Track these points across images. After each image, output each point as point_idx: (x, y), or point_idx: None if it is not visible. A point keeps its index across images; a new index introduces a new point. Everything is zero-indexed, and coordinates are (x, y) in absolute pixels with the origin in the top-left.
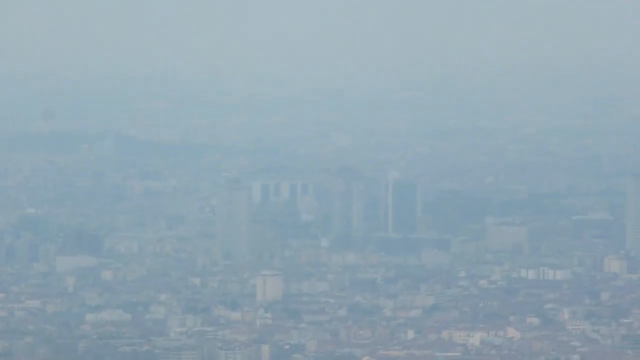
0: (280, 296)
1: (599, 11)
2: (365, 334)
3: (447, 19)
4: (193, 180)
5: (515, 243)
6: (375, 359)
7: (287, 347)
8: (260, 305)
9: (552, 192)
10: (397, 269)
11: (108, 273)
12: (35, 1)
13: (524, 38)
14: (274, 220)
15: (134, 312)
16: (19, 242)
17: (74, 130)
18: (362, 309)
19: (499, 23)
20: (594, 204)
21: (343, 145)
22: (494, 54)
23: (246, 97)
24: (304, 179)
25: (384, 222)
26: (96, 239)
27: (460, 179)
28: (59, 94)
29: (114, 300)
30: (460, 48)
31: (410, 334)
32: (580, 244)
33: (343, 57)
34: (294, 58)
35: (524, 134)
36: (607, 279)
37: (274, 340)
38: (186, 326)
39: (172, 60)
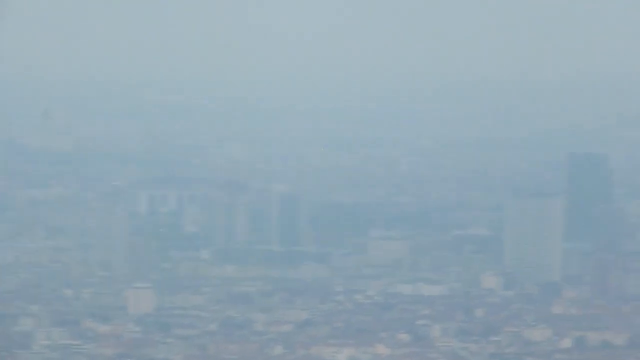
0: (152, 309)
1: (513, 25)
2: (233, 349)
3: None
4: (81, 189)
5: (396, 258)
6: None
7: None
8: (131, 319)
9: (440, 206)
10: (274, 283)
11: None
12: None
13: (428, 46)
14: (157, 232)
15: (1, 323)
16: None
17: None
18: (234, 324)
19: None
20: (479, 219)
21: (237, 156)
22: (399, 62)
23: (145, 104)
24: (192, 190)
25: (268, 235)
26: None
27: (350, 192)
28: None
29: None
30: (373, 54)
31: (279, 350)
32: (459, 259)
33: (249, 64)
34: (198, 64)
35: (421, 146)
36: (482, 295)
37: (139, 355)
38: (52, 339)
39: (73, 64)
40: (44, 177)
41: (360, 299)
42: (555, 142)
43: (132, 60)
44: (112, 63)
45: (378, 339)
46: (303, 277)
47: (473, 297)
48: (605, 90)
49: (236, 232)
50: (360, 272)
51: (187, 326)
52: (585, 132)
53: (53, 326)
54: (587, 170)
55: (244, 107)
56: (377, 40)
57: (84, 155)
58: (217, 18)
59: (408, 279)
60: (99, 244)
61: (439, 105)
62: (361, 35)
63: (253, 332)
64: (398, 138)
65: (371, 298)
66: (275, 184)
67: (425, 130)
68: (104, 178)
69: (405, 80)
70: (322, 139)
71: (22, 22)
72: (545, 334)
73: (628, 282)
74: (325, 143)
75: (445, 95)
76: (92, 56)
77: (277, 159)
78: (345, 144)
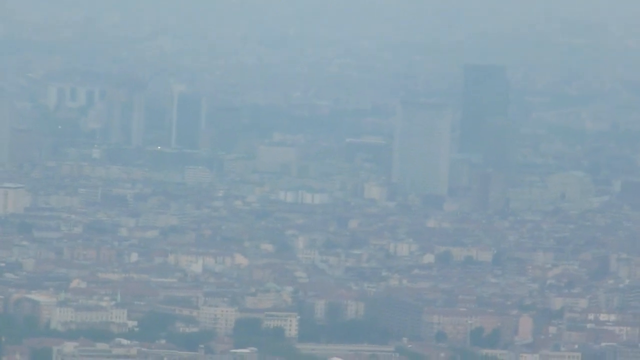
0: (22, 210)
1: None
2: (90, 254)
3: None
4: None
5: (284, 164)
6: (88, 282)
7: (2, 264)
8: None
9: (357, 109)
10: (155, 186)
11: None
12: None
13: None
14: (56, 128)
15: None
16: None
17: None
18: (100, 228)
19: None
20: (385, 127)
21: (168, 49)
22: None
23: None
24: (103, 86)
25: (163, 136)
26: None
27: (264, 92)
28: None
29: None
30: None
31: (134, 257)
32: (350, 167)
33: None
34: None
35: (358, 47)
36: (362, 205)
37: None
38: None
39: None
40: None
41: (239, 205)
42: (490, 47)
43: None
44: None
45: (241, 249)
46: (186, 181)
47: (352, 207)
48: None
49: (132, 132)
50: (245, 178)
51: (51, 228)
52: (522, 35)
53: None
54: (483, 82)
55: (181, 1)
56: None
57: (16, 43)
58: None
59: (292, 187)
60: None
61: (388, 3)
62: None
63: (116, 237)
64: (338, 38)
65: (249, 205)
66: (175, 84)
67: (367, 30)
68: (25, 68)
69: None
70: (257, 36)
71: None
72: (410, 249)
73: (510, 197)
74: (259, 40)
75: None
76: None
77: (207, 55)
78: (282, 41)
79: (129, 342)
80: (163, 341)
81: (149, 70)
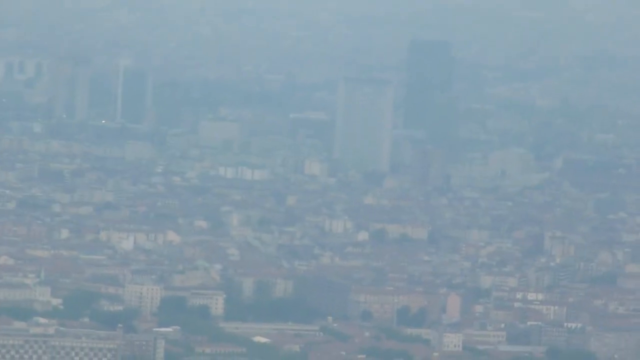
0: None
1: None
2: (20, 230)
3: None
4: None
5: (227, 139)
6: (15, 259)
7: None
8: None
9: (308, 84)
10: (94, 161)
11: None
12: None
13: None
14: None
15: None
16: None
17: None
18: (34, 203)
19: None
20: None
21: (123, 22)
22: None
23: None
24: (51, 59)
25: (112, 111)
26: None
27: (215, 66)
28: None
29: None
30: None
31: (65, 234)
32: (293, 143)
33: None
34: None
35: (316, 20)
36: (302, 181)
37: None
38: None
39: None
40: None
41: (177, 181)
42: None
43: None
44: None
45: (174, 226)
46: (126, 157)
47: (291, 183)
48: None
49: (76, 107)
50: (186, 153)
51: None
52: (481, 8)
53: None
54: (428, 57)
55: None
56: None
57: None
58: None
59: (232, 162)
60: None
61: None
62: None
63: (49, 213)
64: (296, 10)
65: (188, 181)
66: (122, 58)
67: (326, 3)
68: None
69: None
70: (220, 7)
71: None
72: (346, 226)
73: (451, 174)
74: (217, 12)
75: None
76: None
77: (163, 27)
78: (235, 13)
79: (47, 320)
80: (86, 319)
81: (102, 43)
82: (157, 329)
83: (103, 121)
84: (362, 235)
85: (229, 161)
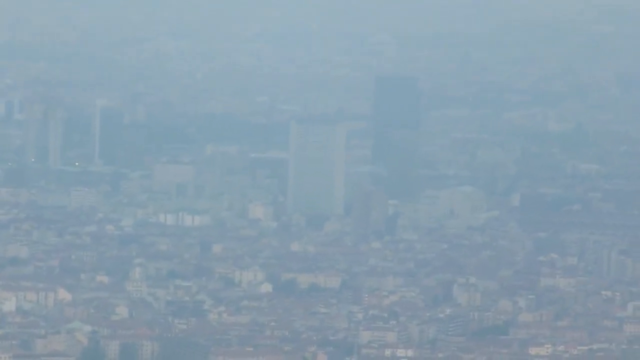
0: None
1: None
2: None
3: None
4: None
5: (180, 183)
6: None
7: None
8: None
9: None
10: (35, 210)
11: None
12: None
13: None
14: None
15: None
16: None
17: None
18: None
19: None
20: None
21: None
22: None
23: None
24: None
25: (91, 153)
26: None
27: (233, 99)
28: None
29: None
30: None
31: None
32: (251, 184)
33: None
34: None
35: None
36: (240, 227)
37: None
38: None
39: None
40: None
41: (110, 230)
42: None
43: None
44: None
45: (73, 282)
46: (72, 204)
47: (228, 229)
48: None
49: (49, 149)
50: (134, 199)
51: None
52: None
53: None
54: (394, 93)
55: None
56: None
57: None
58: None
59: (175, 208)
60: None
61: None
62: None
63: None
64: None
65: (121, 229)
66: (98, 98)
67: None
68: None
69: None
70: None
71: None
72: (256, 277)
73: (400, 213)
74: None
75: None
76: None
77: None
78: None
79: None
80: None
81: (89, 81)
82: None
83: (76, 163)
84: (265, 287)
85: (172, 207)
